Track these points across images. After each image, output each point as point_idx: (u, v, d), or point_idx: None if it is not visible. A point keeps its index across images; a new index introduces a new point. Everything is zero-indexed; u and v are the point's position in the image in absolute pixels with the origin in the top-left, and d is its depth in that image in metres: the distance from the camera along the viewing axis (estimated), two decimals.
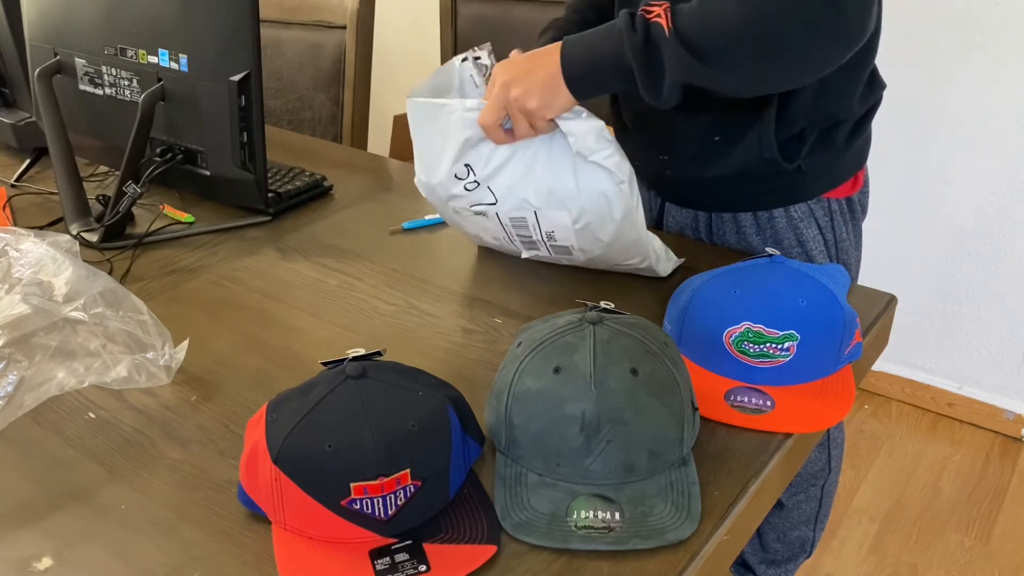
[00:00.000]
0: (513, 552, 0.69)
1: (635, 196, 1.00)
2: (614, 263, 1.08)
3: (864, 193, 1.23)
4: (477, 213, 1.06)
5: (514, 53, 1.01)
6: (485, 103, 0.97)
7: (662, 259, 1.07)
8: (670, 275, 1.08)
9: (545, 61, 0.95)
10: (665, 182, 1.24)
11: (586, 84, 0.94)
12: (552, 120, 0.96)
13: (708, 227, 1.22)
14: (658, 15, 0.91)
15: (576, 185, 0.98)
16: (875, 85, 1.14)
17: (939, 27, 1.91)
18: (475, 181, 1.02)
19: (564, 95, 0.94)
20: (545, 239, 1.06)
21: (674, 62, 0.90)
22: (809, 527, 1.47)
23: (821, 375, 0.89)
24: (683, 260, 1.10)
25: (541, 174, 1.00)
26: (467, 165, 1.02)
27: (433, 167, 1.05)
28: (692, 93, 0.95)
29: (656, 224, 1.32)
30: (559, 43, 0.96)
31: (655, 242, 1.06)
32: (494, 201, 1.03)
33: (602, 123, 0.97)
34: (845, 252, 1.21)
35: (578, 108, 0.97)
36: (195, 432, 0.84)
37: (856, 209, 1.21)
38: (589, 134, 0.96)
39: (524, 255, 1.12)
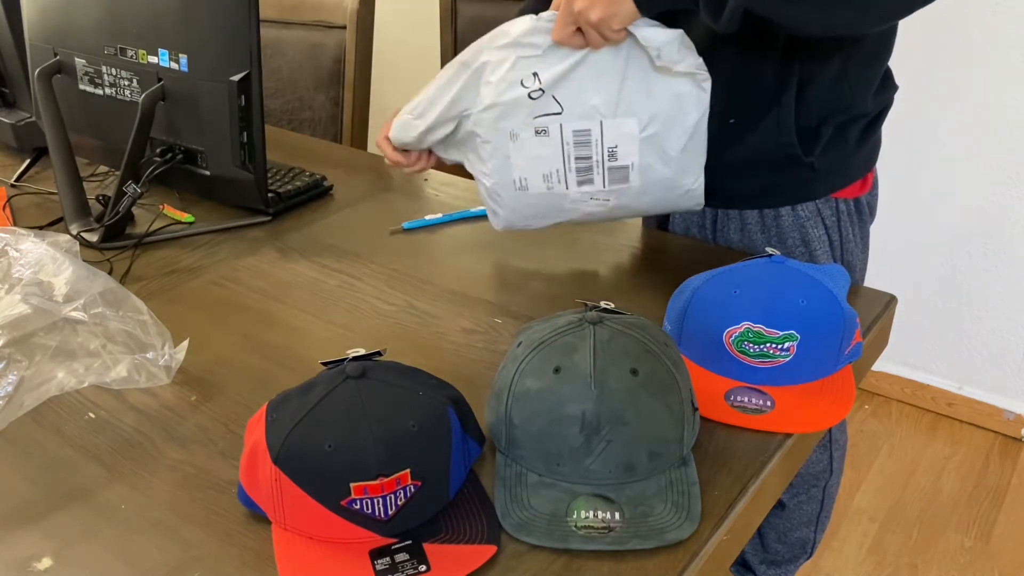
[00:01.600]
0: (513, 552, 0.69)
1: (706, 105, 1.01)
2: (668, 189, 1.06)
3: (873, 195, 1.22)
4: (539, 132, 1.03)
5: None
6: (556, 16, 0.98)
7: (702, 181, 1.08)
8: (670, 275, 1.08)
9: None
10: None
11: (655, 5, 0.95)
12: (624, 30, 0.96)
13: (714, 224, 1.23)
14: None
15: (648, 88, 0.99)
16: (888, 85, 1.14)
17: (939, 27, 1.91)
18: (540, 89, 1.01)
19: (627, 6, 0.94)
20: (605, 158, 1.03)
21: None
22: (810, 528, 1.47)
23: (821, 375, 0.89)
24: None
25: (611, 83, 1.00)
26: (534, 73, 1.00)
27: (461, 97, 1.04)
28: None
29: (663, 220, 1.32)
30: None
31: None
32: (559, 110, 1.02)
33: (681, 31, 0.98)
34: (850, 253, 1.21)
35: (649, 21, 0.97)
36: (195, 432, 0.84)
37: (864, 211, 1.21)
38: (671, 44, 0.96)
39: (573, 193, 1.07)
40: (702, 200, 1.09)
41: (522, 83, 1.01)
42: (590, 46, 0.98)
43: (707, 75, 0.99)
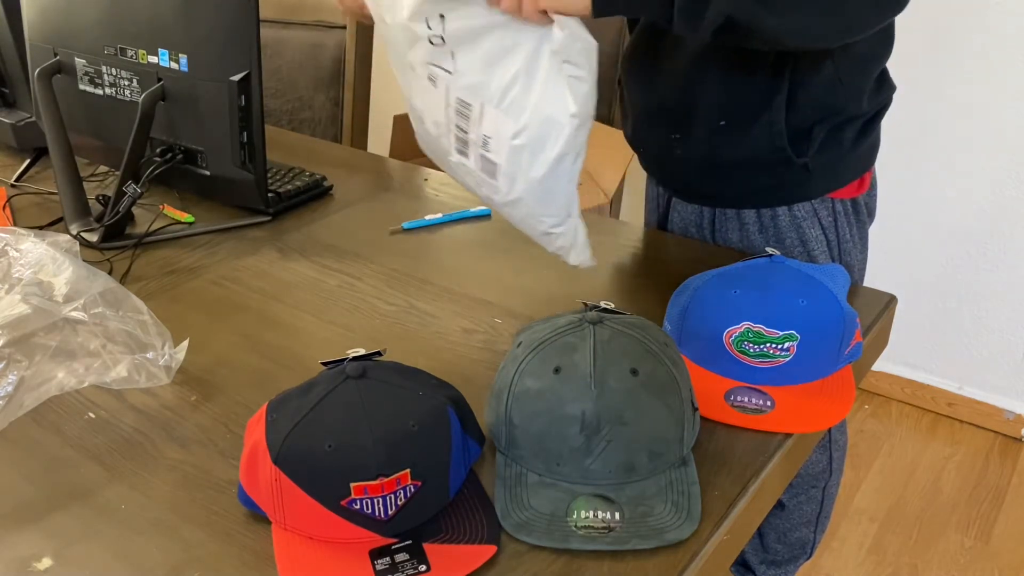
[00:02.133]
0: (513, 552, 0.69)
1: (579, 147, 0.89)
2: (531, 215, 0.96)
3: (871, 196, 1.22)
4: (430, 79, 0.93)
5: None
6: None
7: (578, 245, 0.97)
8: (670, 275, 1.08)
9: None
10: (674, 166, 1.23)
11: (612, 4, 0.89)
12: (547, 15, 0.85)
13: (712, 224, 1.23)
14: None
15: (533, 98, 0.87)
16: (885, 86, 1.14)
17: (940, 27, 1.91)
18: (440, 37, 0.90)
19: (581, 2, 0.87)
20: (480, 142, 0.93)
21: (717, 4, 0.87)
22: (810, 528, 1.47)
23: (821, 375, 0.89)
24: (594, 263, 0.99)
25: (509, 68, 0.88)
26: (441, 16, 0.89)
27: (397, 3, 0.93)
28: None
29: (662, 221, 1.32)
30: None
31: (580, 224, 0.96)
32: (451, 71, 0.91)
33: (596, 45, 0.86)
34: (848, 254, 1.21)
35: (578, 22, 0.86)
36: (195, 432, 0.84)
37: (862, 211, 1.21)
38: (578, 43, 0.85)
39: (450, 159, 0.98)
40: (571, 262, 0.99)
41: (427, 22, 0.90)
42: (506, 8, 0.86)
43: (581, 115, 0.87)
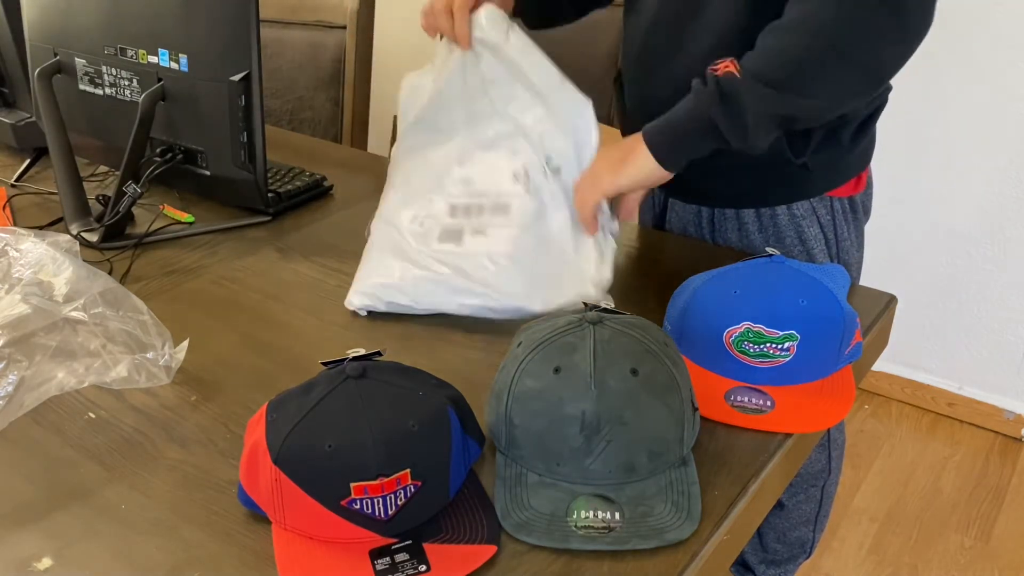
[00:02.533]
0: (513, 552, 0.69)
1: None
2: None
3: (867, 195, 1.23)
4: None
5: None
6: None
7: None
8: (670, 275, 1.08)
9: (634, 147, 1.01)
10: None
11: (675, 153, 0.99)
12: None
13: (711, 223, 1.23)
14: (726, 66, 0.94)
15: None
16: None
17: (940, 27, 1.91)
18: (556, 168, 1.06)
19: (658, 172, 1.00)
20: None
21: (753, 99, 0.93)
22: (809, 528, 1.47)
23: (821, 375, 0.89)
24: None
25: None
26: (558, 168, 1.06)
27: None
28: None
29: (658, 221, 1.32)
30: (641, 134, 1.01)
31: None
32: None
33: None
34: (846, 252, 1.21)
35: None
36: (195, 432, 0.84)
37: (859, 209, 1.22)
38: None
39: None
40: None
41: (546, 160, 1.06)
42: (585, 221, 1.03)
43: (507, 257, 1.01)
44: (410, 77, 1.12)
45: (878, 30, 0.91)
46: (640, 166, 1.00)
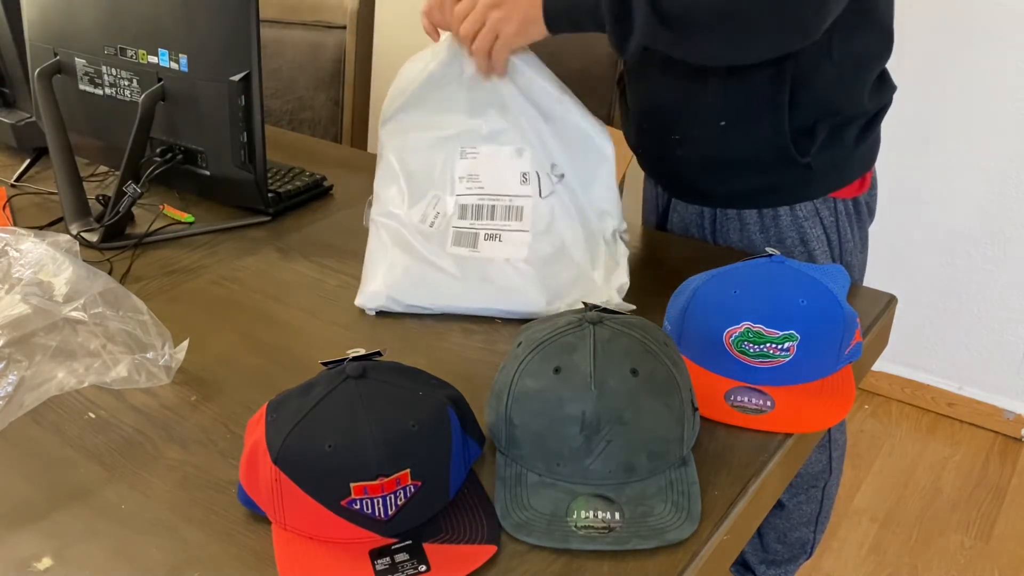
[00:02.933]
0: (513, 552, 0.69)
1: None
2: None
3: (871, 196, 1.22)
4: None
5: None
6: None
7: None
8: (670, 275, 1.08)
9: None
10: (674, 167, 1.23)
11: (563, 22, 1.01)
12: (504, 64, 1.02)
13: (712, 224, 1.22)
14: None
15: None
16: (886, 86, 1.14)
17: (940, 27, 1.91)
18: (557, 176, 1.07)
19: (539, 27, 1.01)
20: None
21: (643, 27, 0.96)
22: (809, 528, 1.47)
23: (821, 375, 0.89)
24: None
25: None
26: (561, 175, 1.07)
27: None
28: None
29: (660, 221, 1.32)
30: None
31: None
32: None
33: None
34: (849, 253, 1.21)
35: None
36: (195, 432, 0.84)
37: (863, 211, 1.21)
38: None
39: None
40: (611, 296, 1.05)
41: (552, 168, 1.07)
42: (476, 57, 1.02)
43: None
44: (407, 64, 1.11)
45: (783, 13, 0.94)
46: (533, 24, 1.01)
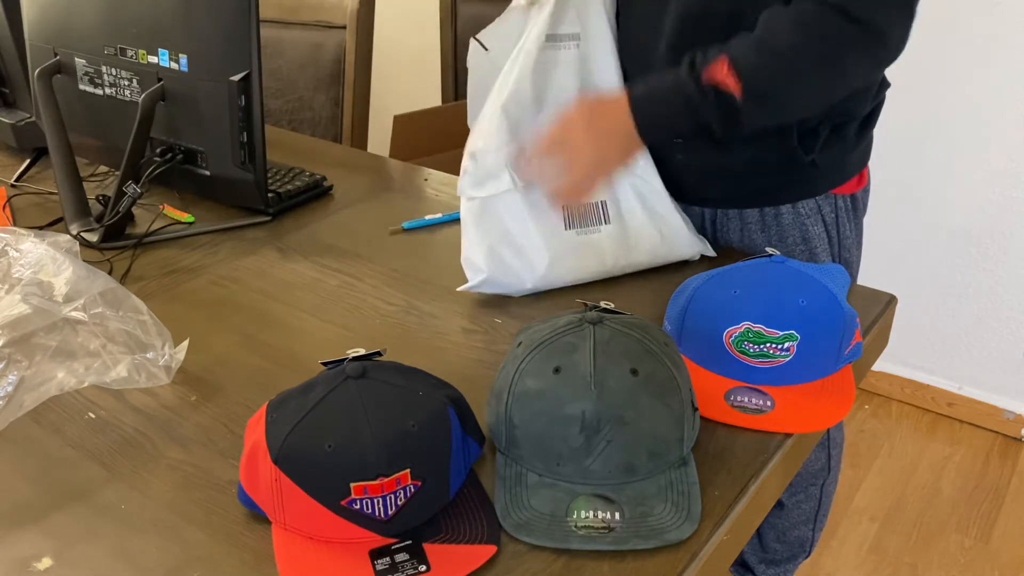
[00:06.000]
0: (513, 552, 0.69)
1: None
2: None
3: (867, 191, 1.23)
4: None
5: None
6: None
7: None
8: (670, 275, 1.08)
9: (618, 127, 1.01)
10: (676, 169, 1.23)
11: (662, 138, 1.06)
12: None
13: (713, 223, 1.23)
14: (723, 80, 0.96)
15: None
16: (881, 84, 1.15)
17: (940, 27, 1.91)
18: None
19: (638, 145, 1.03)
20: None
21: (750, 118, 0.98)
22: (808, 527, 1.47)
23: (821, 375, 0.89)
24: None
25: None
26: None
27: None
28: None
29: None
30: (625, 101, 1.00)
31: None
32: None
33: None
34: (848, 250, 1.22)
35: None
36: (195, 432, 0.84)
37: (859, 206, 1.22)
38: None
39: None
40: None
41: None
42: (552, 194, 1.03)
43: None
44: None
45: (863, 54, 0.97)
46: (632, 151, 1.04)
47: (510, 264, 1.04)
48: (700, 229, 1.25)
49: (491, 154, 1.03)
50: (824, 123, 1.10)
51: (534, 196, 1.04)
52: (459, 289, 1.05)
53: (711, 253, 1.13)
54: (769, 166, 1.13)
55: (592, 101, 1.04)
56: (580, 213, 1.07)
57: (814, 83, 0.99)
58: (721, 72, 0.96)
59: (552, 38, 1.06)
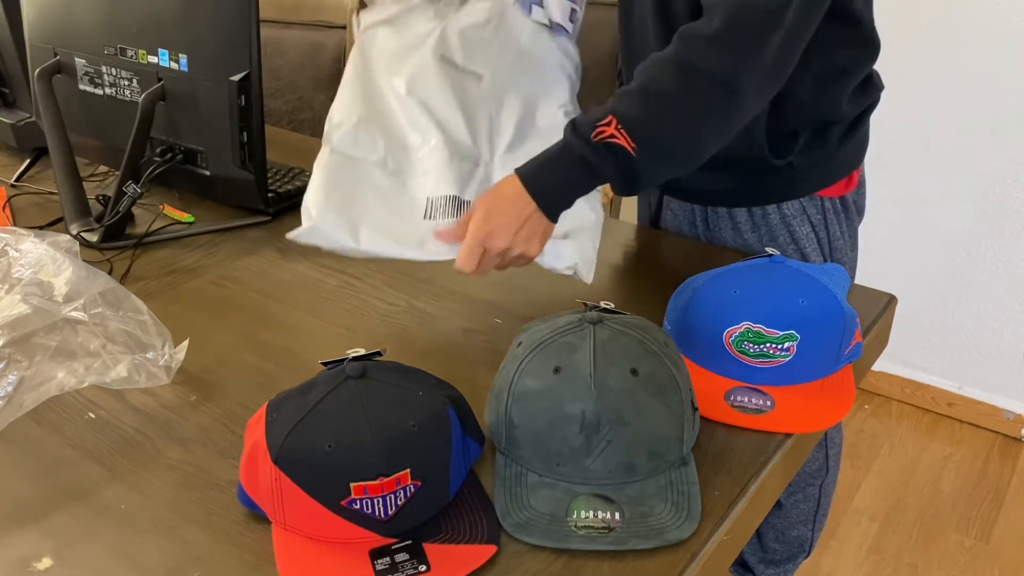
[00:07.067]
0: (513, 552, 0.69)
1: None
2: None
3: (860, 194, 1.23)
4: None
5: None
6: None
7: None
8: (669, 275, 1.08)
9: (517, 207, 0.93)
10: None
11: (563, 205, 0.95)
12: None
13: (705, 222, 1.23)
14: (612, 135, 0.90)
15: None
16: (870, 87, 1.14)
17: (940, 27, 1.91)
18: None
19: (547, 225, 0.95)
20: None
21: (647, 175, 0.92)
22: (807, 527, 1.47)
23: (821, 375, 0.89)
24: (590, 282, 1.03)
25: None
26: None
27: None
28: None
29: (654, 219, 1.32)
30: (517, 181, 0.93)
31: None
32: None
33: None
34: (839, 251, 1.22)
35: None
36: (195, 432, 0.84)
37: (851, 209, 1.22)
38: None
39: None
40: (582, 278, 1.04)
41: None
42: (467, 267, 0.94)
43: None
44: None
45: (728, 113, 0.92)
46: (541, 229, 0.95)
47: (346, 220, 1.00)
48: (692, 227, 1.25)
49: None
50: (802, 126, 1.10)
51: (399, 180, 1.03)
52: (288, 236, 1.00)
53: (587, 280, 1.03)
54: (743, 165, 1.13)
55: (486, 193, 0.97)
56: (444, 207, 1.03)
57: (704, 124, 0.93)
58: (610, 129, 0.91)
59: (447, 61, 1.05)
